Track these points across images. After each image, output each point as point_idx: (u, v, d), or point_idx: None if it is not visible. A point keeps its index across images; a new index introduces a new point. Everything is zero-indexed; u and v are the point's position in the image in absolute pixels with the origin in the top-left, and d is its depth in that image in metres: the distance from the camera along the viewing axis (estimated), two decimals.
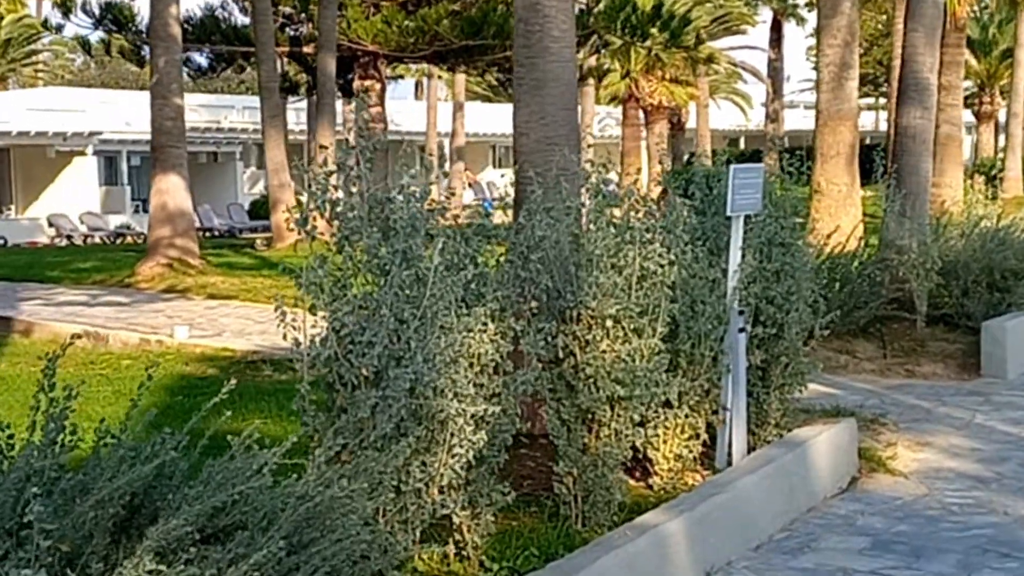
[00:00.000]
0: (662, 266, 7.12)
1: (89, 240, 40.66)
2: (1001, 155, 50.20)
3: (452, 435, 5.56)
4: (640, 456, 7.56)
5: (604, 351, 6.97)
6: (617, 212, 7.56)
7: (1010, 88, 49.56)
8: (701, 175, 8.66)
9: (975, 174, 46.86)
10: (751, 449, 8.06)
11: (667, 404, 7.46)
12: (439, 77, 55.26)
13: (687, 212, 7.80)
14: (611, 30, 33.01)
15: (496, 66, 34.88)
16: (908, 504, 7.80)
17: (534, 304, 6.62)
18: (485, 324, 6.17)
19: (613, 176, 7.56)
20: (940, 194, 35.64)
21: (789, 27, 66.02)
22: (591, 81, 43.12)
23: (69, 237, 40.86)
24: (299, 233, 5.75)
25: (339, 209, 5.82)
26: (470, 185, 56.39)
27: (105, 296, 18.01)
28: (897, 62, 44.55)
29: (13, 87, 60.56)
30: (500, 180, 46.39)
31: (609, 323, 6.97)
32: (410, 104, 63.98)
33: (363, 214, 5.71)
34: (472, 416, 5.66)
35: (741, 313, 7.85)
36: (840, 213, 23.10)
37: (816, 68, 23.27)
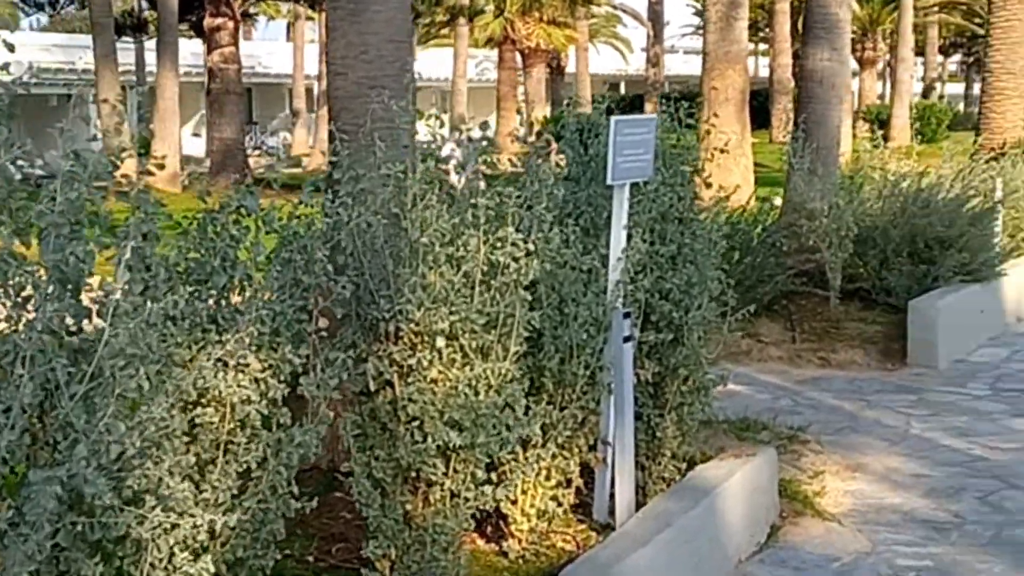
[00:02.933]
0: (517, 258, 5.05)
1: None
2: (884, 102, 49.01)
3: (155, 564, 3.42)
4: (491, 510, 5.52)
5: (434, 381, 4.90)
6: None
7: (893, 33, 48.36)
8: (573, 128, 6.56)
9: (859, 121, 45.62)
10: (641, 491, 6.05)
11: (527, 443, 5.43)
12: (309, 18, 52.54)
13: (553, 180, 5.71)
14: None
15: None
16: (848, 571, 5.84)
17: (322, 323, 4.49)
18: (242, 360, 4.06)
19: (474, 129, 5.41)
20: None
21: None
22: (463, 21, 40.82)
23: None
24: None
25: None
26: None
27: None
28: (780, 4, 43.05)
29: None
30: None
31: (441, 341, 4.89)
32: (281, 46, 61.37)
33: None
34: (194, 531, 3.53)
35: (627, 316, 5.79)
36: (731, 165, 21.18)
37: (703, 7, 21.34)
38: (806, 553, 6.02)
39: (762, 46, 65.99)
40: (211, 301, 4.28)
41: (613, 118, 5.80)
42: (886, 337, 10.31)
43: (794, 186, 10.88)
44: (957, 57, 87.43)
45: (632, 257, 5.91)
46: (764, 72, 58.59)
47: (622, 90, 76.36)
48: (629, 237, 5.97)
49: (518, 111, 42.22)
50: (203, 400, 4.11)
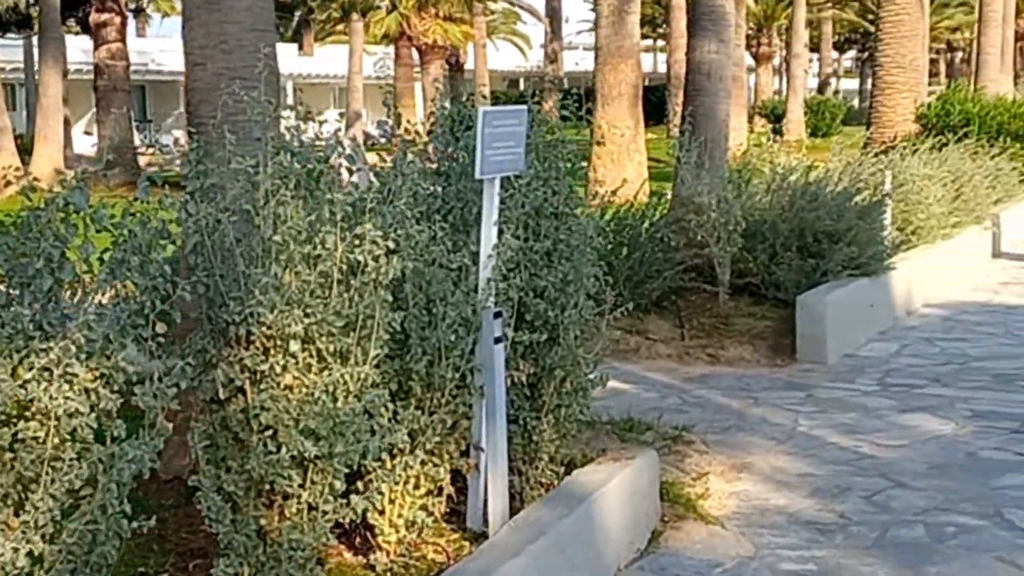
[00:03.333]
0: (377, 257, 4.78)
1: None
2: (780, 97, 49.37)
3: None
4: (358, 521, 5.24)
5: (288, 387, 4.62)
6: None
7: (788, 29, 48.76)
8: (443, 119, 6.30)
9: (756, 116, 45.90)
10: (516, 498, 5.80)
11: (393, 450, 5.16)
12: None
13: (417, 173, 5.45)
14: None
15: None
16: None
17: (159, 328, 4.18)
18: (68, 368, 3.75)
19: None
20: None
21: None
22: (356, 17, 40.37)
23: None
24: None
25: None
26: None
27: None
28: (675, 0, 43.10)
29: None
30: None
31: (295, 345, 4.61)
32: (175, 42, 60.45)
33: None
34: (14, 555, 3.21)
35: (498, 315, 5.54)
36: (624, 160, 21.15)
37: (595, 1, 21.21)
38: (687, 559, 5.82)
39: (660, 42, 66.29)
40: (37, 305, 3.96)
41: (481, 109, 5.55)
42: (775, 332, 10.18)
43: (681, 180, 10.71)
44: (852, 53, 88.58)
45: (504, 254, 5.66)
46: (663, 68, 58.79)
47: (521, 86, 76.58)
48: (500, 233, 5.72)
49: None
50: (26, 413, 3.80)
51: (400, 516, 5.32)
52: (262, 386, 4.61)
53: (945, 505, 6.45)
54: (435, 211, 5.78)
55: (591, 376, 6.27)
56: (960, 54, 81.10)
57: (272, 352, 4.63)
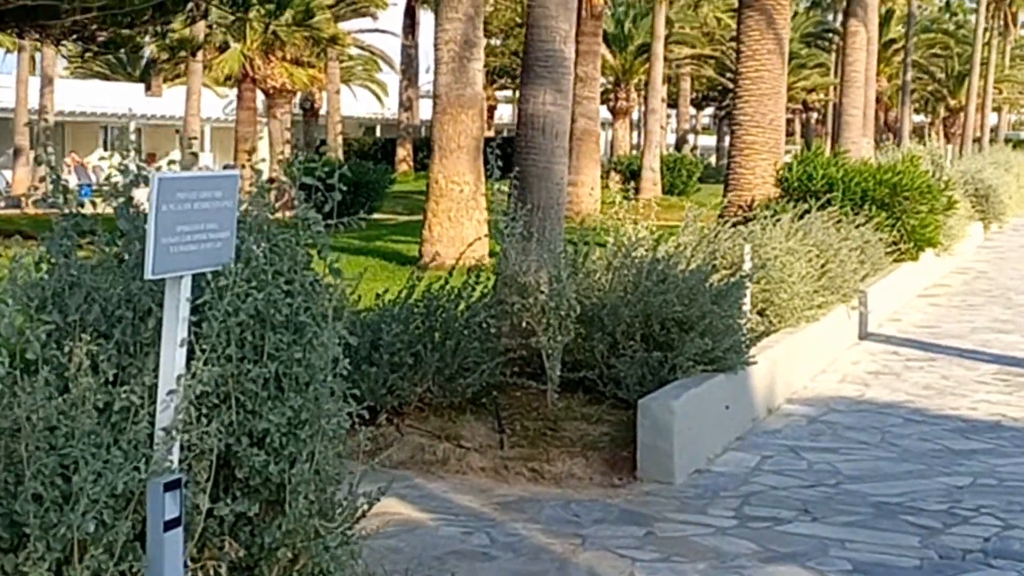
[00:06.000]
0: None
1: None
2: (637, 153, 48.33)
3: None
4: None
5: None
6: None
7: (647, 84, 47.82)
8: (127, 176, 4.41)
9: (611, 172, 44.71)
10: None
11: None
12: (37, 49, 49.00)
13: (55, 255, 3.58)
14: None
15: (76, 34, 29.54)
16: None
17: None
18: None
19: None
20: (578, 195, 32.83)
21: (426, 15, 63.01)
22: (199, 57, 38.19)
23: None
24: None
25: None
26: (75, 169, 50.97)
27: None
28: None
29: None
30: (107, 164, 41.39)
31: None
32: (6, 79, 57.70)
33: None
34: None
35: (175, 486, 3.68)
36: (463, 218, 19.39)
37: (435, 47, 19.51)
38: None
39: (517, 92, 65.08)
40: None
41: (157, 175, 3.69)
42: (613, 442, 8.43)
43: (505, 255, 8.93)
44: (710, 110, 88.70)
45: (194, 388, 3.80)
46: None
47: (377, 133, 75.12)
48: (191, 357, 3.86)
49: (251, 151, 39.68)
50: None
51: None
52: None
53: None
54: (87, 324, 3.90)
55: (339, 550, 4.43)
56: (815, 115, 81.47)
57: None
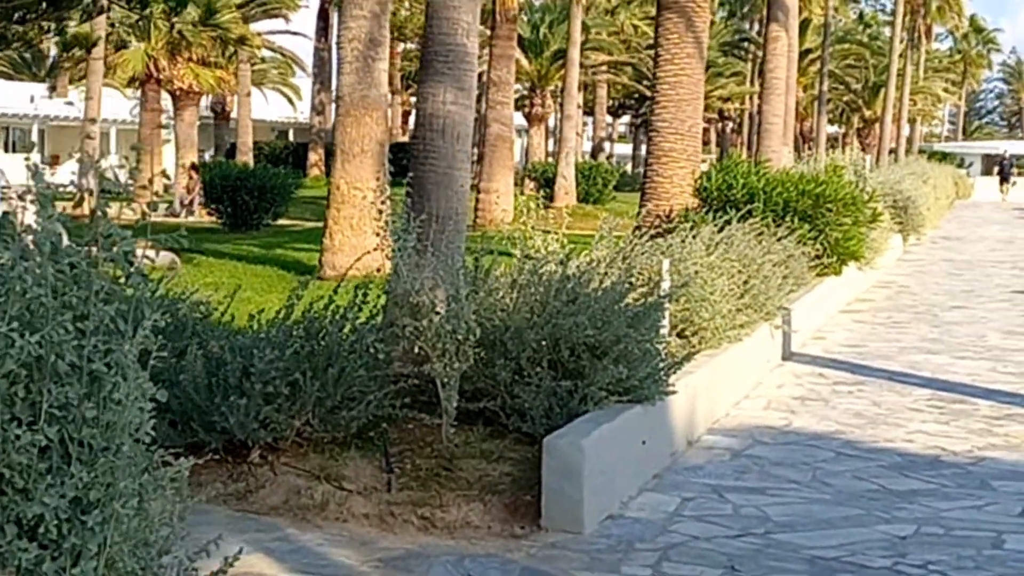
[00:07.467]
0: None
1: None
2: (552, 160, 47.48)
3: None
4: None
5: None
6: None
7: (563, 90, 47.11)
8: None
9: (526, 179, 43.85)
10: None
11: None
12: None
13: None
14: None
15: None
16: None
17: None
18: None
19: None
20: (489, 203, 31.92)
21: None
22: (97, 56, 36.70)
23: None
24: None
25: None
26: None
27: None
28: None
29: None
30: (10, 166, 40.02)
31: None
32: None
33: None
34: None
35: None
36: (366, 226, 18.35)
37: (338, 45, 18.49)
38: None
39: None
40: None
41: None
42: (515, 483, 7.45)
43: (397, 273, 7.93)
44: (627, 118, 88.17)
45: None
46: None
47: (291, 137, 74.05)
48: None
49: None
50: None
51: None
52: None
53: None
54: None
55: None
56: (731, 124, 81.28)
57: None
